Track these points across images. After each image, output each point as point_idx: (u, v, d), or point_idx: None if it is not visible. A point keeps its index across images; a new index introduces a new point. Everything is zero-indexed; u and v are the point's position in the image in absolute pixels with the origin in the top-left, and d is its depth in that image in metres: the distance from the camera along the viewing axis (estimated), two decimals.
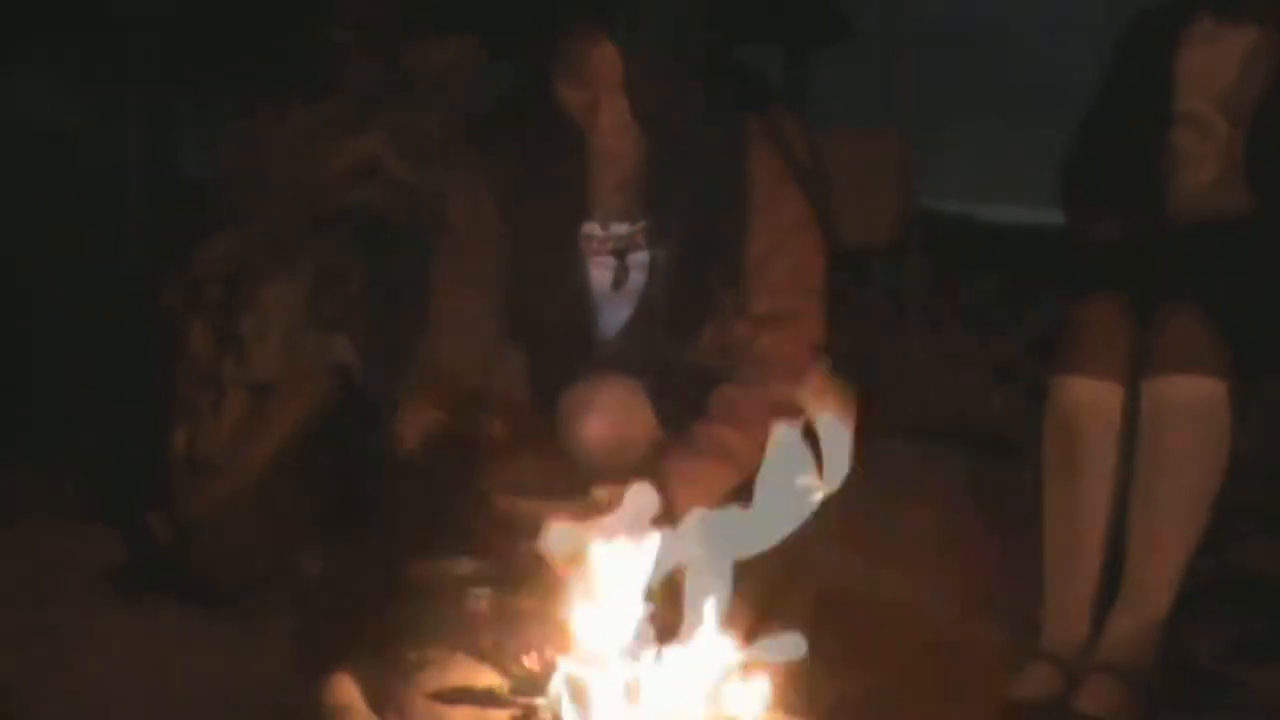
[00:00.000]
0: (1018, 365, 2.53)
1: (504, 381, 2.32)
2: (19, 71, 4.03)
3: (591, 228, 2.24)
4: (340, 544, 2.55)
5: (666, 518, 1.98)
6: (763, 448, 2.10)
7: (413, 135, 2.86)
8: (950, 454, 2.79)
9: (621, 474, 2.04)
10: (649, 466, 2.07)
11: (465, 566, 2.08)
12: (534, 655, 1.83)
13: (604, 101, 2.13)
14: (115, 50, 3.93)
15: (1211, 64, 2.51)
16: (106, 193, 3.69)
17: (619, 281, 2.24)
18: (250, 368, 2.71)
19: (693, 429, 2.13)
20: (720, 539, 1.75)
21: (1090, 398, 2.29)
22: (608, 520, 1.80)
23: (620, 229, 2.24)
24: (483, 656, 1.85)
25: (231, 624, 2.47)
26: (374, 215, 2.81)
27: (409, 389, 2.25)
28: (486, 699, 1.78)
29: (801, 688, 1.73)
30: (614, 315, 2.25)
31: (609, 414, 2.10)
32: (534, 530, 1.89)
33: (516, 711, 1.76)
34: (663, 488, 2.01)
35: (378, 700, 1.78)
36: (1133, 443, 2.27)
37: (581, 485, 2.01)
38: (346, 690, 1.79)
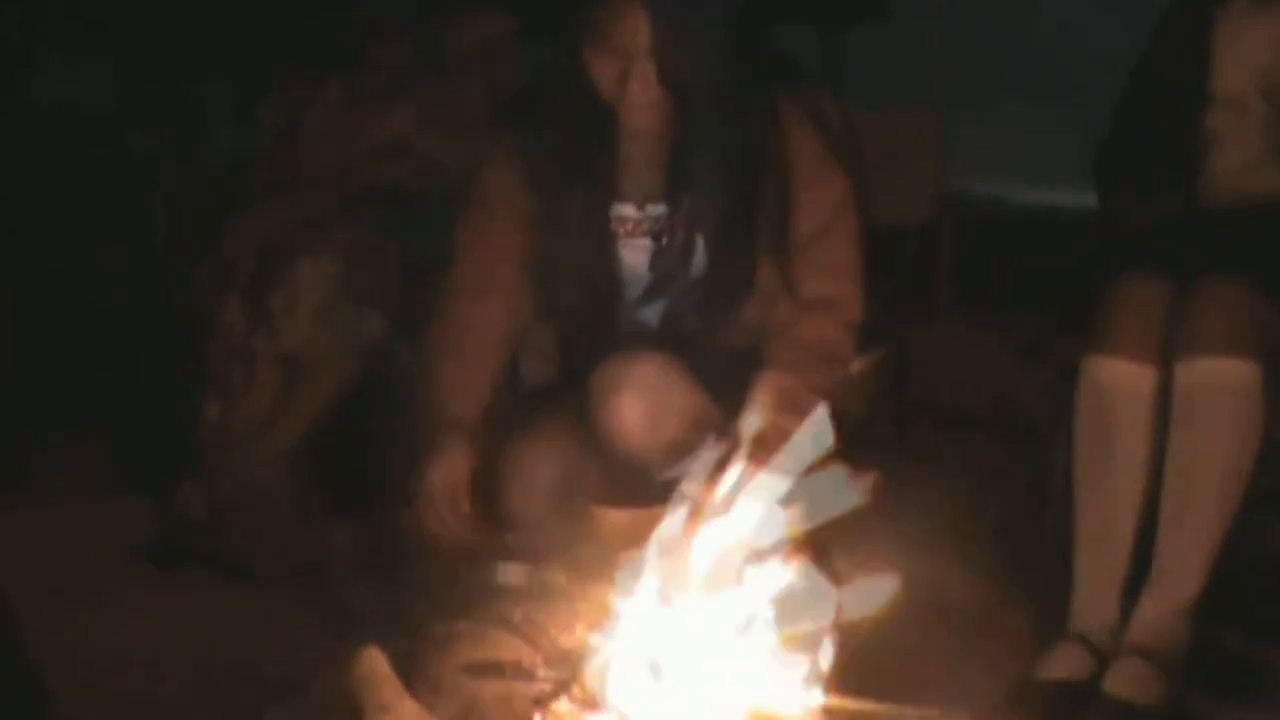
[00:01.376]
0: (1050, 347, 2.51)
1: (533, 361, 2.32)
2: (50, 47, 4.04)
3: (627, 209, 2.23)
4: (371, 517, 2.58)
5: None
6: None
7: (444, 112, 2.86)
8: (981, 435, 2.78)
9: (659, 455, 2.07)
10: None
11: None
12: (566, 630, 1.83)
13: (633, 71, 2.10)
14: (147, 25, 3.94)
15: (1249, 45, 2.50)
16: (138, 168, 3.70)
17: (655, 263, 2.22)
18: (281, 342, 2.73)
19: (751, 416, 2.08)
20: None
21: (1123, 379, 2.28)
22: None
23: (656, 210, 2.22)
24: (513, 630, 1.85)
25: (263, 597, 2.49)
26: (406, 192, 2.82)
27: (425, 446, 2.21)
28: (517, 672, 1.78)
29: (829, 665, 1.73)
30: (649, 296, 2.23)
31: (643, 391, 2.09)
32: (629, 540, 1.89)
33: (546, 686, 1.75)
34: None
35: (408, 672, 1.77)
36: (1166, 425, 2.26)
37: (667, 487, 2.00)
38: (376, 662, 1.77)
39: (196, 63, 3.93)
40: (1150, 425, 2.28)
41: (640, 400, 2.09)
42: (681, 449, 2.09)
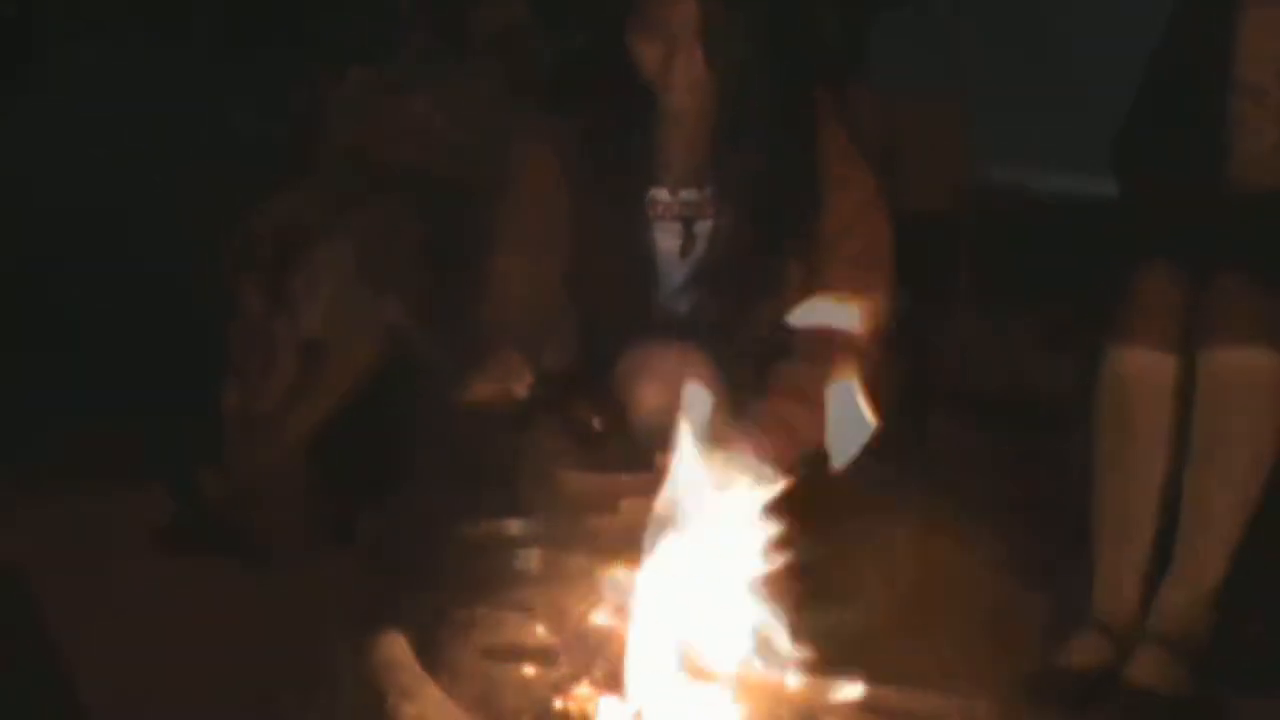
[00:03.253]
0: (1071, 335, 2.50)
1: (555, 349, 2.32)
2: (83, 31, 4.06)
3: (660, 193, 2.24)
4: (390, 502, 2.57)
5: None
6: (823, 425, 2.10)
7: (465, 97, 2.85)
8: (1001, 423, 2.77)
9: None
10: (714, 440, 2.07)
11: (515, 526, 2.08)
12: (586, 614, 1.81)
13: (678, 57, 2.11)
14: (169, 8, 3.95)
15: (1270, 32, 2.47)
16: (162, 151, 3.71)
17: (685, 249, 2.23)
18: (300, 326, 2.72)
19: (757, 403, 2.12)
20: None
21: (1144, 367, 2.27)
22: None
23: (689, 195, 2.23)
24: (533, 614, 1.84)
25: (282, 581, 2.49)
26: (429, 177, 2.80)
27: (476, 354, 2.24)
28: (537, 657, 1.78)
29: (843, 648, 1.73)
30: (678, 282, 2.24)
31: (666, 378, 2.08)
32: (602, 504, 1.92)
33: (566, 670, 1.75)
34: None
35: (428, 657, 1.77)
36: (1187, 413, 2.25)
37: (642, 455, 1.99)
38: (396, 647, 1.77)
39: (219, 47, 3.93)
40: (1171, 413, 2.26)
41: (664, 386, 2.08)
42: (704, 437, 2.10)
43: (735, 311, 2.20)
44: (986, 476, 2.70)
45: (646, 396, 2.09)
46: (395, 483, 2.54)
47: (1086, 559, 2.30)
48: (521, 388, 2.10)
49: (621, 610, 1.74)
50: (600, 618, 1.79)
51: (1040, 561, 2.48)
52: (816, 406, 2.13)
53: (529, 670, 1.77)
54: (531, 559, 2.01)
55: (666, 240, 2.24)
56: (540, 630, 1.83)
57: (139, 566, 2.56)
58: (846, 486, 2.08)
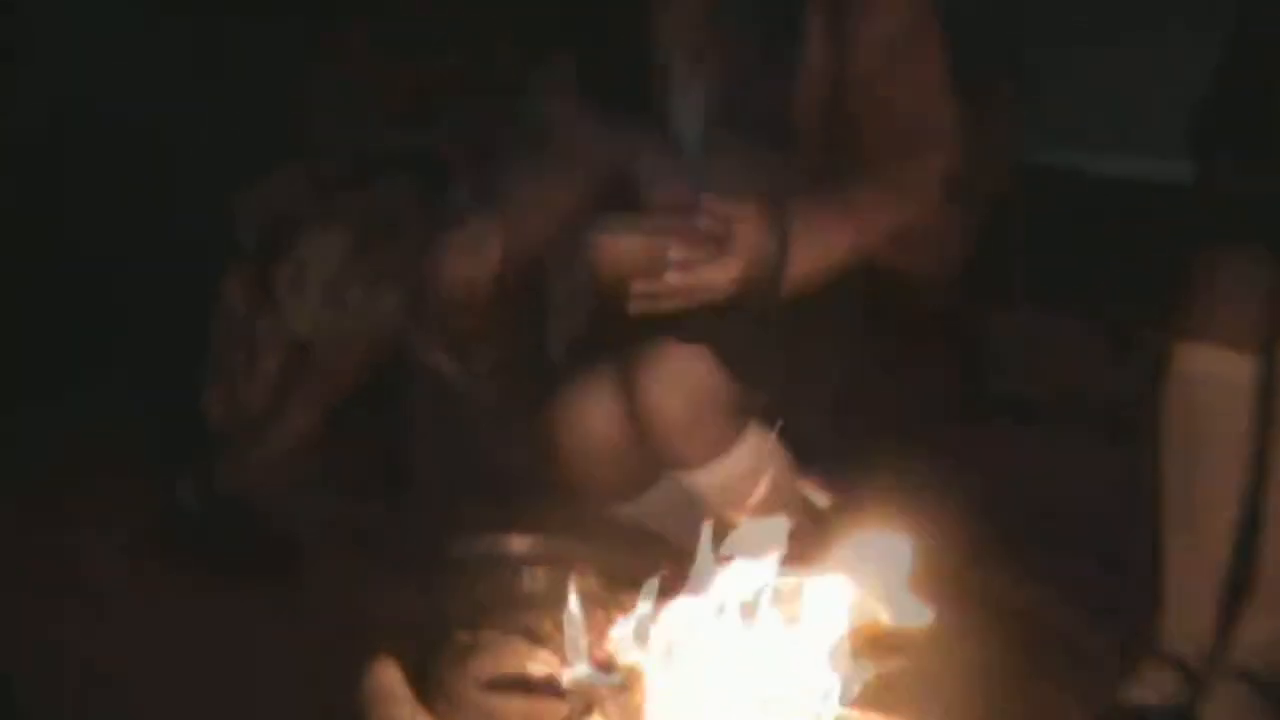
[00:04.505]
0: (1136, 332, 2.40)
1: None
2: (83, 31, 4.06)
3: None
4: (386, 514, 2.53)
5: (777, 276, 1.97)
6: (881, 236, 2.05)
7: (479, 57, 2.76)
8: (1060, 430, 2.71)
9: (698, 448, 2.08)
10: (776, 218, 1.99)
11: (519, 543, 2.02)
12: (599, 642, 1.69)
13: None
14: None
15: None
16: (162, 151, 3.70)
17: (698, 58, 2.16)
18: (286, 324, 2.64)
19: (823, 190, 2.05)
20: None
21: (1216, 367, 2.12)
22: None
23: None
24: (541, 641, 1.75)
25: (268, 597, 2.44)
26: (433, 159, 2.72)
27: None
28: (544, 688, 1.67)
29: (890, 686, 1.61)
30: (690, 100, 2.18)
31: (679, 387, 2.06)
32: (649, 268, 1.90)
33: (576, 703, 1.64)
34: (781, 241, 1.97)
35: (424, 688, 1.69)
36: (1265, 420, 2.09)
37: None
38: (389, 677, 1.69)
39: (219, 47, 3.90)
40: (1247, 419, 2.10)
41: (679, 399, 2.07)
42: (720, 441, 2.10)
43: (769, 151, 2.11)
44: (1044, 490, 2.62)
45: (664, 410, 2.07)
46: (393, 489, 2.51)
47: (1154, 582, 2.17)
48: (494, 264, 2.17)
49: (638, 639, 1.64)
50: (614, 646, 1.67)
51: (1103, 585, 2.39)
52: (882, 211, 2.06)
53: (535, 703, 1.67)
54: (539, 579, 1.94)
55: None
56: (547, 658, 1.72)
57: (134, 570, 2.52)
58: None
